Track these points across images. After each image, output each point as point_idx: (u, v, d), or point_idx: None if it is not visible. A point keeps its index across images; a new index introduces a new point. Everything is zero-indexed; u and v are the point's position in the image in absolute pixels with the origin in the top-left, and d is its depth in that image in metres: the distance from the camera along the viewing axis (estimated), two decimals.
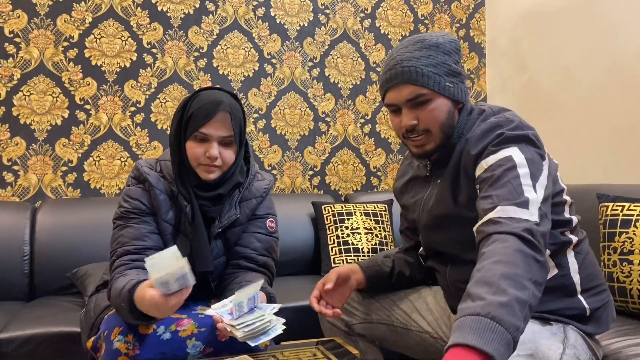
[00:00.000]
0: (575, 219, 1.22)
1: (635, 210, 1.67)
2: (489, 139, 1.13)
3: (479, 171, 1.12)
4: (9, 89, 2.50)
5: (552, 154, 1.22)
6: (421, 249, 1.43)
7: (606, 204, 1.78)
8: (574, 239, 1.20)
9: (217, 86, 1.50)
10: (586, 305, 1.17)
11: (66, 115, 2.59)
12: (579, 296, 1.17)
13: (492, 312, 0.84)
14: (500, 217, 1.00)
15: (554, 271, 1.16)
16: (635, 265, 1.60)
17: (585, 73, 2.65)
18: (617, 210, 1.73)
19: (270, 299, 1.35)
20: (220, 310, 1.19)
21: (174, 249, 1.07)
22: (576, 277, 1.18)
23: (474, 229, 1.06)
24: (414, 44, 1.20)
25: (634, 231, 1.64)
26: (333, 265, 2.50)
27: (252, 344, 1.16)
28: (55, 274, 2.24)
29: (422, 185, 1.34)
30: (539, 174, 1.08)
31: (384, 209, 2.70)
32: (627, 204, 1.72)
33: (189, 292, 1.10)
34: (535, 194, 1.04)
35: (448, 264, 1.28)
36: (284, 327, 1.20)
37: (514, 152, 1.08)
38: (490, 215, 1.02)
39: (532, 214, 1.00)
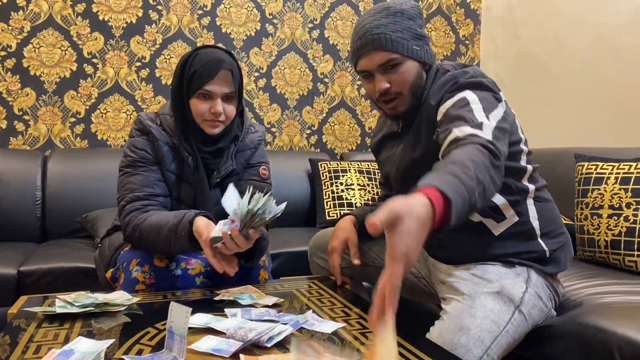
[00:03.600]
0: (530, 167, 1.30)
1: (608, 169, 1.82)
2: (445, 88, 1.23)
3: (439, 116, 1.21)
4: (19, 41, 2.59)
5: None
6: None
7: (582, 163, 1.93)
8: (531, 187, 1.29)
9: (214, 44, 1.59)
10: (545, 248, 1.27)
11: (74, 68, 2.69)
12: (539, 239, 1.28)
13: (453, 170, 0.90)
14: (459, 137, 1.06)
15: (514, 219, 1.26)
16: (604, 219, 1.75)
17: (574, 42, 2.77)
18: (591, 169, 1.87)
19: (262, 244, 1.42)
20: (217, 233, 1.25)
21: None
22: (535, 223, 1.28)
23: (440, 156, 1.11)
24: (380, 11, 1.27)
25: (605, 188, 1.79)
26: (327, 218, 2.65)
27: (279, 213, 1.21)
28: (66, 218, 2.39)
29: (394, 142, 1.43)
30: (492, 108, 1.15)
31: (377, 167, 2.84)
32: (601, 164, 1.86)
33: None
34: (488, 121, 1.09)
35: None
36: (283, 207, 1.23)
37: (468, 94, 1.17)
38: (449, 138, 1.08)
39: (486, 134, 1.05)
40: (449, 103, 1.19)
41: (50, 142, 2.66)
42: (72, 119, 2.70)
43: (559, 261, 1.30)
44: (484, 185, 0.94)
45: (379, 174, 1.63)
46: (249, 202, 1.19)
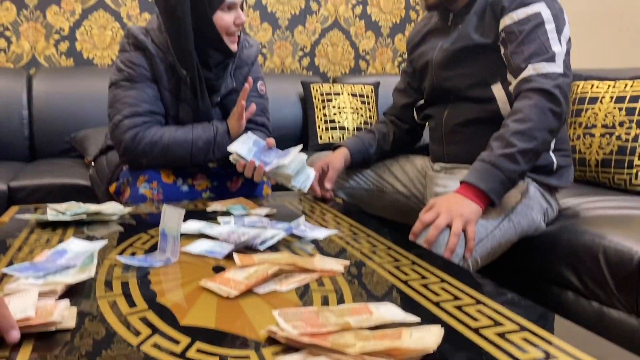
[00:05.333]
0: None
1: (604, 88, 1.79)
2: None
3: (508, 20, 1.25)
4: None
5: None
6: (419, 102, 1.55)
7: (578, 82, 1.90)
8: None
9: None
10: (554, 160, 1.33)
11: None
12: (551, 152, 1.33)
13: (493, 160, 1.13)
14: (532, 75, 1.18)
15: None
16: (596, 138, 1.75)
17: None
18: (587, 88, 1.85)
19: None
20: (243, 150, 1.29)
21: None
22: None
23: (512, 86, 1.24)
24: None
25: (599, 107, 1.77)
26: (319, 141, 2.64)
27: (303, 189, 1.30)
28: (54, 138, 2.36)
29: (440, 34, 1.45)
30: (563, 26, 1.23)
31: (370, 90, 2.80)
32: (597, 82, 1.83)
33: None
34: (560, 47, 1.20)
35: (449, 103, 1.41)
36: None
37: (542, 8, 1.22)
38: (524, 74, 1.20)
39: (558, 66, 1.18)
40: (523, 12, 1.24)
41: (34, 60, 2.58)
42: (56, 36, 2.60)
43: (563, 176, 1.35)
44: (536, 149, 1.15)
45: (400, 80, 1.64)
46: (291, 164, 1.27)
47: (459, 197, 1.11)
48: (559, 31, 1.22)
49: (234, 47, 1.41)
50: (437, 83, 1.43)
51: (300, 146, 1.34)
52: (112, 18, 2.68)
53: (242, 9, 1.41)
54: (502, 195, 1.15)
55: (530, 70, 1.19)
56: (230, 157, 1.31)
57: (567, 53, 1.22)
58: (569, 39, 1.24)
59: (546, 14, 1.21)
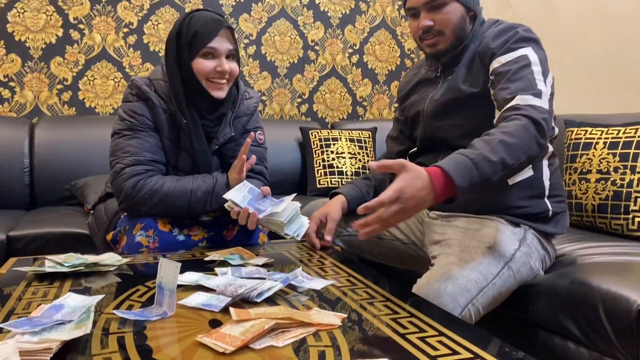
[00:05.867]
0: (557, 130, 1.37)
1: (597, 134, 1.82)
2: (507, 35, 1.29)
3: (495, 64, 1.28)
4: (2, 6, 2.53)
5: None
6: (412, 150, 1.57)
7: (572, 128, 1.93)
8: (550, 148, 1.36)
9: (206, 8, 1.56)
10: (550, 208, 1.33)
11: (60, 34, 2.63)
12: (546, 199, 1.33)
13: (475, 158, 1.06)
14: (520, 105, 1.18)
15: (529, 172, 1.32)
16: (592, 183, 1.77)
17: (565, 9, 2.75)
18: (580, 134, 1.88)
19: None
20: (237, 197, 1.31)
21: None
22: (546, 183, 1.34)
23: (496, 117, 1.23)
24: None
25: (593, 153, 1.80)
26: (318, 186, 2.66)
27: (296, 237, 1.32)
28: (54, 186, 2.37)
29: (430, 85, 1.48)
30: (548, 73, 1.26)
31: (368, 136, 2.83)
32: (590, 129, 1.86)
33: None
34: (545, 88, 1.22)
35: (442, 152, 1.42)
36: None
37: (529, 52, 1.25)
38: (512, 103, 1.19)
39: (544, 103, 1.19)
40: (510, 56, 1.26)
41: (37, 110, 2.62)
42: (59, 86, 2.66)
43: (559, 223, 1.36)
44: (513, 168, 1.11)
45: (392, 128, 1.67)
46: (284, 212, 1.29)
47: (426, 189, 1.01)
48: (545, 75, 1.24)
49: (217, 94, 1.42)
50: (429, 133, 1.46)
51: (293, 195, 1.36)
52: (114, 68, 2.74)
53: (235, 59, 1.44)
54: (462, 197, 1.06)
55: (518, 101, 1.18)
56: (226, 205, 1.32)
57: (552, 96, 1.24)
58: (553, 85, 1.27)
59: (533, 57, 1.25)
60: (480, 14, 1.40)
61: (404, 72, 3.31)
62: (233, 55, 1.43)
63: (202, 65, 1.39)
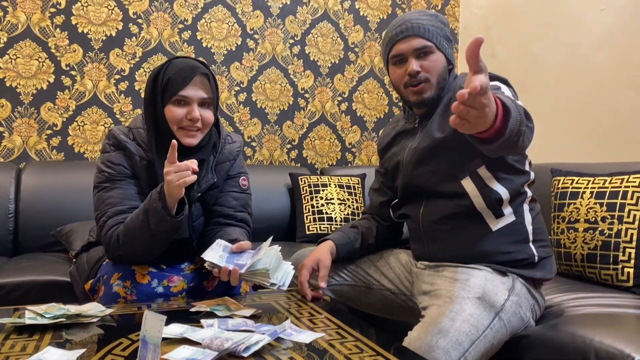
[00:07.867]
0: (532, 175, 1.39)
1: (583, 183, 1.84)
2: None
3: None
4: None
5: None
6: (394, 201, 1.57)
7: (559, 177, 1.95)
8: (529, 193, 1.38)
9: (187, 55, 1.57)
10: (535, 253, 1.33)
11: (52, 80, 2.65)
12: (530, 244, 1.34)
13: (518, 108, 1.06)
14: (500, 97, 1.13)
15: (511, 218, 1.33)
16: (580, 233, 1.77)
17: (549, 60, 2.83)
18: (567, 183, 1.90)
19: None
20: (214, 258, 1.29)
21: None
22: (529, 228, 1.35)
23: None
24: (418, 12, 1.42)
25: (580, 202, 1.81)
26: (307, 232, 2.64)
27: (282, 287, 1.28)
28: (39, 232, 2.32)
29: (408, 136, 1.50)
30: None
31: (357, 182, 2.84)
32: (576, 178, 1.89)
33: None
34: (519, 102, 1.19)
35: (423, 201, 1.43)
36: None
37: (500, 85, 1.26)
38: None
39: (520, 104, 1.16)
40: None
41: (25, 155, 2.61)
42: (49, 131, 2.66)
43: (546, 268, 1.36)
44: (524, 129, 1.08)
45: (374, 180, 1.68)
46: (265, 257, 1.26)
47: (492, 110, 0.98)
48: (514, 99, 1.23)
49: (188, 141, 1.40)
50: (409, 181, 1.46)
51: (270, 239, 1.33)
52: (105, 114, 2.75)
53: (210, 106, 1.42)
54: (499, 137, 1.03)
55: (498, 94, 1.13)
56: (206, 265, 1.30)
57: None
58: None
59: (503, 87, 1.25)
60: (454, 69, 1.45)
61: (391, 120, 3.36)
62: (208, 103, 1.42)
63: (172, 112, 1.38)
